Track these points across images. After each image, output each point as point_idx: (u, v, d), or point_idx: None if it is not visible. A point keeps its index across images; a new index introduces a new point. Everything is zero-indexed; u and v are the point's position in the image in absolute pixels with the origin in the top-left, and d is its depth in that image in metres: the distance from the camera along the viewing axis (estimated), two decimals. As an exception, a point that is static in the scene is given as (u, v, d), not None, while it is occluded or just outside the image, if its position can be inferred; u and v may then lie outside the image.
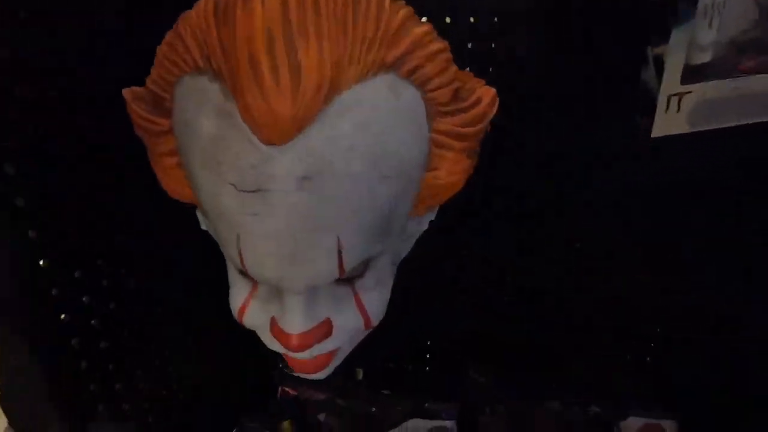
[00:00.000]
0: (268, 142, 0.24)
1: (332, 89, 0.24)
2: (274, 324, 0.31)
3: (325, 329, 0.31)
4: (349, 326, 0.32)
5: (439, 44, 0.27)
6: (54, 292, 0.31)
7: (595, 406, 0.53)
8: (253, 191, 0.25)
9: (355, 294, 0.32)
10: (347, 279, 0.31)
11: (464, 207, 0.43)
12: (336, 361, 0.35)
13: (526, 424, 0.54)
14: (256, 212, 0.25)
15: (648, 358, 0.54)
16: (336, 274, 0.28)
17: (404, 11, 0.26)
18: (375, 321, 0.34)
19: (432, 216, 0.37)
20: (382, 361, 0.60)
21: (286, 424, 0.55)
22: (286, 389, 0.59)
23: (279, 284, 0.29)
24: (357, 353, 0.37)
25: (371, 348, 0.39)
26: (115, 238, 0.37)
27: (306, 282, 0.28)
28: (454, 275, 0.53)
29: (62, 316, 0.32)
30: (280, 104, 0.22)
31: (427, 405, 0.56)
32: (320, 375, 0.36)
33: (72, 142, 0.32)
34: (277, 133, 0.23)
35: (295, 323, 0.30)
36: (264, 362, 0.58)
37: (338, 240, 0.27)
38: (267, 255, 0.27)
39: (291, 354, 0.32)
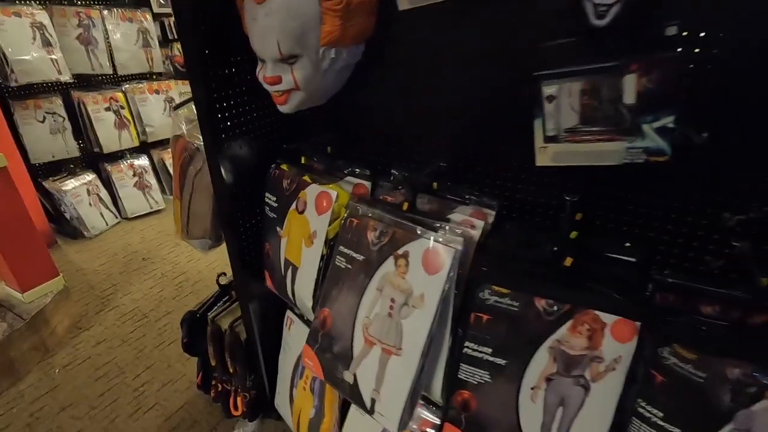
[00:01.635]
0: (255, 2, 0.72)
1: None
2: (263, 75, 0.82)
3: (278, 79, 0.80)
4: (289, 81, 0.80)
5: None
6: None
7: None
8: (252, 18, 0.74)
9: (291, 70, 0.80)
10: (287, 61, 0.79)
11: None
12: (291, 101, 0.84)
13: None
14: (252, 21, 0.75)
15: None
16: (278, 55, 0.77)
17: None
18: (300, 85, 0.81)
19: (334, 56, 0.80)
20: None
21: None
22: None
23: (262, 57, 0.79)
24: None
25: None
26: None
27: (269, 56, 0.77)
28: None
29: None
30: None
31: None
32: (286, 107, 0.85)
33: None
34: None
35: (266, 72, 0.79)
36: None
37: (277, 39, 0.75)
38: (255, 42, 0.77)
39: (269, 88, 0.82)
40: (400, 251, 0.76)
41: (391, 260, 0.77)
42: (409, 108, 0.93)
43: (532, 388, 0.69)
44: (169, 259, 2.47)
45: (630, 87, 0.52)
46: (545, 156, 0.63)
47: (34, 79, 2.39)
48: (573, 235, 0.72)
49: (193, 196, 1.05)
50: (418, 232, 0.75)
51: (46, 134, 2.64)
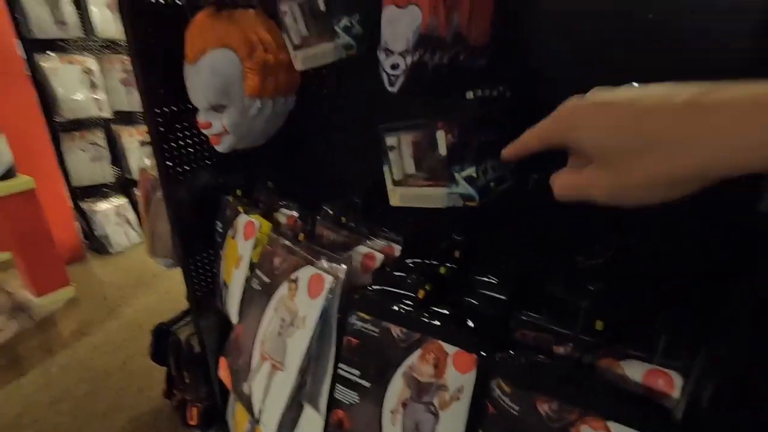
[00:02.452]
0: (189, 63, 0.84)
1: (203, 52, 0.82)
2: (198, 121, 0.93)
3: (208, 124, 0.90)
4: (218, 127, 0.91)
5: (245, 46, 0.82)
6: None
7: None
8: (187, 76, 0.86)
9: (222, 118, 0.90)
10: (216, 110, 0.89)
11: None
12: (223, 143, 0.94)
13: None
14: (187, 78, 0.87)
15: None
16: (207, 105, 0.88)
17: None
18: (229, 129, 0.91)
19: (260, 105, 0.91)
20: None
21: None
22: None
23: (196, 106, 0.90)
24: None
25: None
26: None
27: (200, 105, 0.89)
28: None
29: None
30: (188, 57, 0.83)
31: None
32: (219, 147, 0.96)
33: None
34: (189, 61, 0.84)
35: (199, 118, 0.91)
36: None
37: (205, 92, 0.86)
38: (190, 94, 0.89)
39: (204, 131, 0.93)
40: (292, 276, 0.82)
41: (285, 284, 0.83)
42: (335, 149, 1.02)
43: (391, 412, 0.71)
44: (175, 277, 2.61)
45: (441, 141, 0.58)
46: (395, 197, 0.68)
47: (79, 115, 2.68)
48: (442, 270, 0.76)
49: (156, 220, 1.17)
50: (310, 259, 0.81)
51: (87, 161, 2.92)
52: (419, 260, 0.85)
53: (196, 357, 1.32)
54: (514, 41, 0.63)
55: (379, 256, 0.86)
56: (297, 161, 1.11)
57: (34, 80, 2.55)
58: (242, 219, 1.00)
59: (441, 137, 0.58)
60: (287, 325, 0.80)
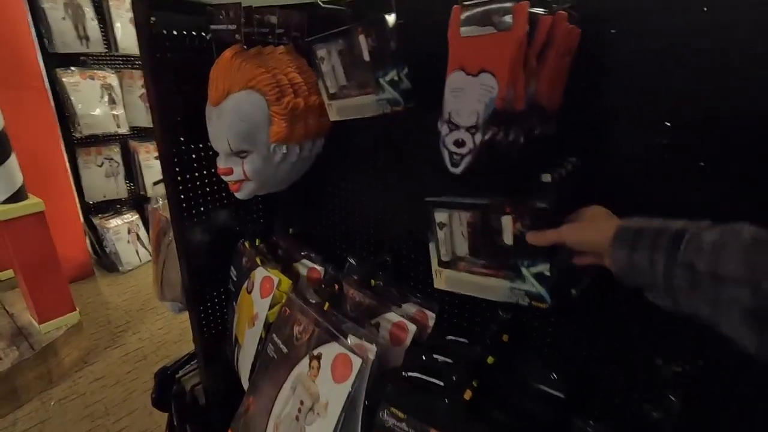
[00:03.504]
0: (212, 105, 0.77)
1: (227, 93, 0.75)
2: (218, 167, 0.86)
3: (229, 171, 0.83)
4: (239, 173, 0.84)
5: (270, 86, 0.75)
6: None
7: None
8: (209, 118, 0.79)
9: (242, 163, 0.83)
10: (238, 155, 0.82)
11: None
12: (244, 189, 0.87)
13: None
14: (209, 120, 0.80)
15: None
16: (228, 150, 0.80)
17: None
18: (250, 176, 0.84)
19: (285, 151, 0.83)
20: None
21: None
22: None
23: (217, 150, 0.83)
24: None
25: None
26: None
27: (221, 150, 0.81)
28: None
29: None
30: (212, 98, 0.76)
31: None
32: (239, 194, 0.88)
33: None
34: (212, 103, 0.77)
35: (220, 164, 0.83)
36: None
37: (227, 137, 0.79)
38: (211, 138, 0.81)
39: (223, 178, 0.86)
40: (315, 352, 0.73)
41: (306, 360, 0.74)
42: (364, 197, 0.94)
43: None
44: (183, 301, 2.55)
45: (508, 229, 0.49)
46: (440, 280, 0.59)
47: (96, 131, 2.68)
48: (490, 360, 0.66)
49: (166, 263, 1.09)
50: (335, 334, 0.72)
51: (102, 177, 2.91)
52: (461, 339, 0.75)
53: (200, 410, 1.23)
54: (586, 102, 0.54)
55: (411, 328, 0.77)
56: (322, 207, 1.02)
57: (54, 95, 2.55)
58: (260, 273, 0.92)
59: (507, 224, 0.48)
60: (306, 409, 0.71)
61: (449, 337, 0.75)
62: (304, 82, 0.80)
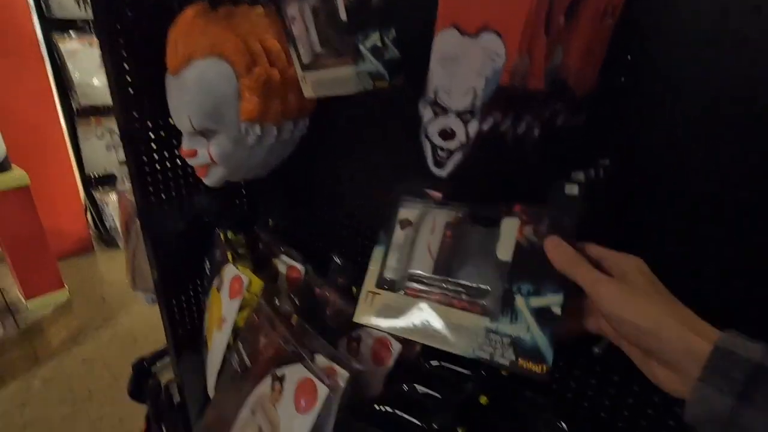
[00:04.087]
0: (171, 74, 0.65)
1: (188, 60, 0.63)
2: (182, 148, 0.74)
3: (192, 153, 0.72)
4: (205, 156, 0.72)
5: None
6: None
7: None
8: (168, 90, 0.67)
9: (209, 145, 0.71)
10: (204, 135, 0.71)
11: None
12: (211, 175, 0.76)
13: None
14: (168, 94, 0.68)
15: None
16: (192, 129, 0.69)
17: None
18: (217, 160, 0.72)
19: (260, 133, 0.71)
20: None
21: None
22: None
23: (179, 129, 0.71)
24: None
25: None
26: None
27: (183, 129, 0.70)
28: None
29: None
30: (170, 66, 0.63)
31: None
32: (207, 180, 0.77)
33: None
34: (171, 71, 0.65)
35: (183, 145, 0.72)
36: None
37: (188, 114, 0.67)
38: (172, 114, 0.70)
39: (189, 161, 0.75)
40: (278, 372, 0.63)
41: (269, 380, 0.64)
42: (354, 188, 0.82)
43: None
44: (180, 282, 2.49)
45: (507, 245, 0.37)
46: (368, 308, 0.45)
47: (96, 102, 2.59)
48: (483, 400, 0.54)
49: (136, 251, 1.00)
50: (300, 354, 0.61)
51: (102, 149, 2.84)
52: (448, 366, 0.64)
53: (175, 409, 1.15)
54: (634, 84, 0.40)
55: (396, 346, 0.65)
56: (306, 198, 0.91)
57: (52, 63, 2.47)
58: (229, 271, 0.81)
59: (510, 229, 0.36)
60: (265, 439, 0.61)
61: (436, 363, 0.63)
62: (284, 49, 0.67)
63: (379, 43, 0.45)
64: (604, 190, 0.37)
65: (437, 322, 0.37)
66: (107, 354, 1.87)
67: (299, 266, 0.85)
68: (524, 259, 0.35)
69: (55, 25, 2.42)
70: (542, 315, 0.34)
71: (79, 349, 1.89)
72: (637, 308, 0.29)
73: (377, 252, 0.44)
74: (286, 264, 0.87)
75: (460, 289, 0.38)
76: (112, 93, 0.78)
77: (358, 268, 0.79)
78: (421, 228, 0.41)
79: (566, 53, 0.32)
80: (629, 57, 0.38)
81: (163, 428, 1.15)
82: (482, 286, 0.37)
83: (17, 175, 1.63)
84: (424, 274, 0.40)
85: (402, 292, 0.41)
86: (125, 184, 1.00)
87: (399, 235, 0.42)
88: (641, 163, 0.39)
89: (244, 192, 1.05)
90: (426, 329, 0.38)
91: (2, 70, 1.89)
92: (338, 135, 0.79)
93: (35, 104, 2.25)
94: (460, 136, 0.31)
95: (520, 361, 0.34)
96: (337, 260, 0.86)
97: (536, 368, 0.34)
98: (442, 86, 0.32)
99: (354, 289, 0.74)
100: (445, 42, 0.31)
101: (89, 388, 1.68)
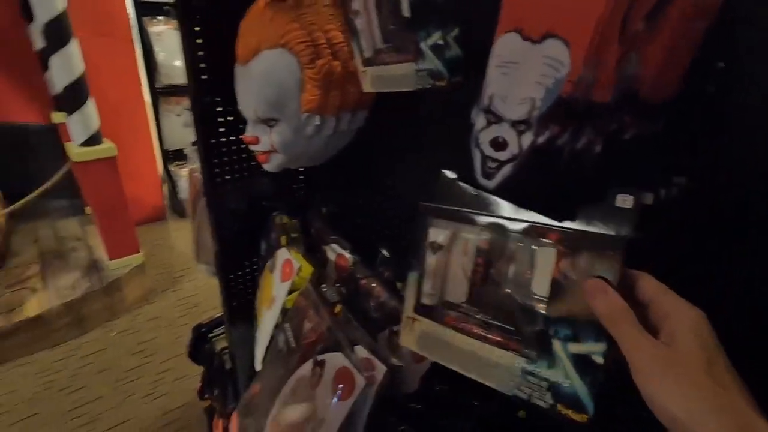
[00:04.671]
0: (240, 64, 0.68)
1: (256, 51, 0.66)
2: (245, 135, 0.78)
3: (255, 140, 0.75)
4: (266, 144, 0.75)
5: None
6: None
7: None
8: (236, 79, 0.71)
9: (270, 133, 0.74)
10: (267, 123, 0.73)
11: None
12: (271, 161, 0.79)
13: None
14: (236, 82, 0.71)
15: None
16: (256, 117, 0.72)
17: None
18: (278, 148, 0.75)
19: (319, 123, 0.73)
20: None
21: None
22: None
23: (244, 116, 0.75)
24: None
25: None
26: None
27: (247, 116, 0.73)
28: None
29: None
30: (239, 56, 0.66)
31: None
32: (267, 166, 0.80)
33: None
34: (240, 61, 0.68)
35: (247, 132, 0.75)
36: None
37: (254, 102, 0.70)
38: (238, 101, 0.73)
39: (251, 148, 0.78)
40: (319, 357, 0.65)
41: (310, 364, 0.66)
42: (411, 187, 0.81)
43: None
44: (240, 255, 2.65)
45: (544, 266, 0.35)
46: (411, 333, 0.45)
47: (176, 81, 2.78)
48: (521, 414, 0.53)
49: (201, 226, 1.07)
50: (341, 344, 0.63)
51: (180, 126, 3.06)
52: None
53: (226, 373, 1.24)
54: (728, 92, 0.36)
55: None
56: (360, 188, 0.92)
57: (143, 44, 2.68)
58: (282, 254, 0.85)
59: (546, 259, 0.34)
60: (302, 419, 0.64)
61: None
62: (347, 42, 0.67)
63: (441, 42, 0.43)
64: (674, 213, 0.34)
65: (474, 356, 0.36)
66: (171, 315, 2.04)
67: (348, 255, 0.86)
68: (561, 298, 0.32)
69: (146, 9, 2.63)
70: (582, 362, 0.31)
71: (149, 308, 2.08)
72: (672, 393, 0.25)
73: (411, 278, 0.42)
74: (336, 252, 0.89)
75: (494, 323, 0.36)
76: (188, 77, 0.83)
77: (404, 263, 0.80)
78: (453, 251, 0.40)
79: (642, 61, 0.29)
80: (721, 64, 0.34)
81: (215, 391, 1.24)
82: (517, 324, 0.34)
83: (107, 147, 1.80)
84: (459, 303, 0.38)
85: (439, 320, 0.40)
86: (196, 163, 1.07)
87: (431, 259, 0.40)
88: (726, 184, 0.35)
89: (300, 178, 1.08)
90: (464, 362, 0.37)
91: (98, 50, 2.08)
92: (395, 129, 0.79)
93: (124, 82, 2.47)
94: (513, 147, 0.30)
95: (560, 407, 0.32)
96: (385, 253, 0.87)
97: (576, 417, 0.31)
98: (498, 93, 0.30)
99: (399, 284, 0.74)
100: (505, 47, 0.30)
101: (155, 344, 1.85)
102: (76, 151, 1.73)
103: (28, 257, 2.12)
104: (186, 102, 3.02)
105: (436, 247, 0.39)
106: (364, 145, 0.83)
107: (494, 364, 0.35)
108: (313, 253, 0.92)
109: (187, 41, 0.79)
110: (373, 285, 0.78)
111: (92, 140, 1.74)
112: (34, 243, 2.26)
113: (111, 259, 2.03)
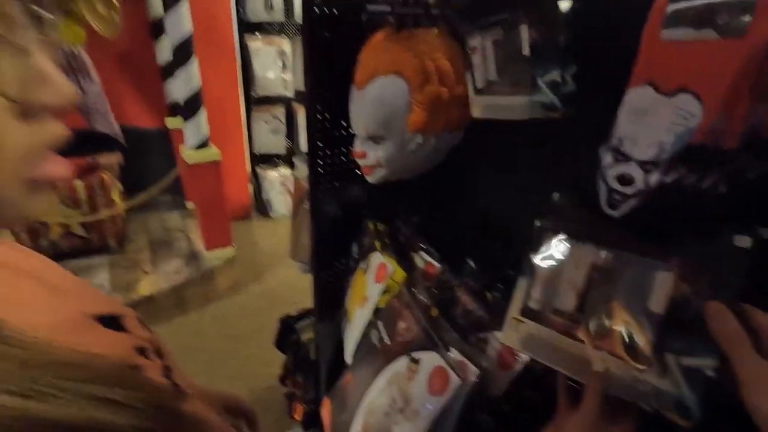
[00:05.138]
0: (357, 88, 0.78)
1: (372, 77, 0.74)
2: (353, 149, 0.87)
3: (363, 154, 0.84)
4: (372, 158, 0.84)
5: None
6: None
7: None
8: (351, 100, 0.80)
9: (377, 149, 0.82)
10: (374, 140, 0.82)
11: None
12: (375, 174, 0.87)
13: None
14: (351, 103, 0.81)
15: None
16: (365, 134, 0.81)
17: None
18: (382, 163, 0.83)
19: (421, 141, 0.79)
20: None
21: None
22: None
23: (355, 132, 0.84)
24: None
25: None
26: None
27: (358, 133, 0.82)
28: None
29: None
30: (357, 81, 0.76)
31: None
32: (370, 178, 0.89)
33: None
34: (357, 85, 0.77)
35: (356, 147, 0.84)
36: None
37: (365, 121, 0.79)
38: (351, 119, 0.82)
39: (359, 161, 0.87)
40: (414, 355, 0.71)
41: (405, 360, 0.73)
42: (499, 204, 0.86)
43: None
44: (315, 255, 2.82)
45: (661, 288, 0.38)
46: (513, 334, 0.50)
47: (268, 92, 3.04)
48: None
49: (301, 228, 1.19)
50: (437, 344, 0.68)
51: (268, 133, 3.32)
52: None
53: (310, 362, 1.35)
54: None
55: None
56: (450, 201, 0.97)
57: (242, 59, 2.96)
58: (376, 257, 0.93)
59: (663, 283, 0.37)
60: (397, 409, 0.70)
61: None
62: (453, 69, 0.74)
63: (558, 79, 0.48)
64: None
65: (580, 360, 0.40)
66: (256, 305, 2.23)
67: (436, 264, 0.92)
68: (678, 316, 0.35)
69: (247, 27, 2.91)
70: (693, 375, 0.34)
71: (237, 298, 2.29)
72: None
73: (521, 282, 0.47)
74: (424, 260, 0.95)
75: (605, 331, 0.39)
76: (307, 98, 0.94)
77: (489, 276, 0.84)
78: (565, 263, 0.44)
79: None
80: None
81: (299, 375, 1.36)
82: (629, 334, 0.37)
83: (213, 152, 2.04)
84: (567, 310, 0.43)
85: (545, 324, 0.44)
86: (301, 171, 1.19)
87: (543, 268, 0.45)
88: None
89: (391, 190, 1.16)
90: (569, 364, 0.41)
91: (208, 64, 2.34)
92: (489, 149, 0.84)
93: (227, 92, 2.75)
94: (639, 183, 0.34)
95: (666, 411, 0.35)
96: (472, 264, 0.92)
97: (682, 422, 0.35)
98: (628, 136, 0.34)
99: (488, 294, 0.79)
100: (638, 97, 0.34)
101: (242, 330, 2.04)
102: (188, 153, 1.97)
103: (140, 244, 2.43)
104: (274, 111, 3.28)
105: (549, 258, 0.43)
106: (452, 160, 0.89)
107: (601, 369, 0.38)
108: (401, 258, 0.99)
109: (310, 66, 0.90)
110: (459, 293, 0.84)
111: (202, 145, 1.98)
112: (144, 232, 2.58)
113: (207, 250, 2.27)
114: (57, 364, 0.19)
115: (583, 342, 0.40)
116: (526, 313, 0.46)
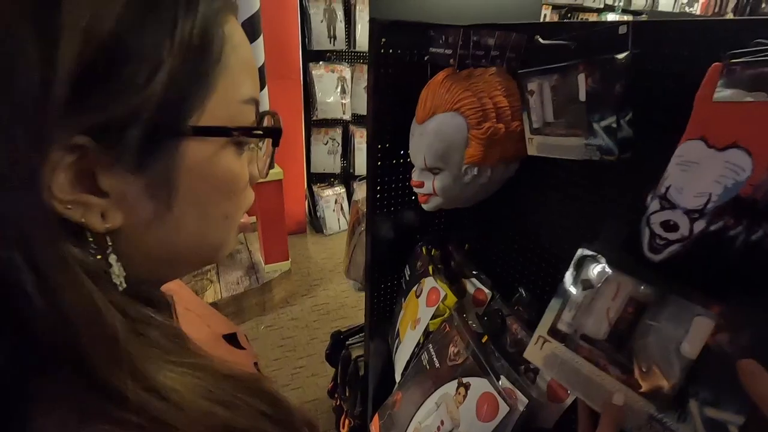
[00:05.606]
0: (417, 122, 0.84)
1: (432, 113, 0.80)
2: (411, 179, 0.92)
3: (420, 184, 0.88)
4: (429, 188, 0.88)
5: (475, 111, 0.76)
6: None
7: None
8: (411, 133, 0.86)
9: (433, 179, 0.87)
10: (431, 171, 0.86)
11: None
12: (431, 202, 0.91)
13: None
14: (411, 136, 0.87)
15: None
16: (424, 166, 0.86)
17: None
18: (438, 192, 0.87)
19: (476, 173, 0.83)
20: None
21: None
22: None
23: (413, 163, 0.89)
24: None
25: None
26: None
27: (416, 164, 0.87)
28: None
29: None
30: (418, 116, 0.82)
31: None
32: (426, 207, 0.93)
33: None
34: (418, 120, 0.83)
35: (414, 177, 0.89)
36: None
37: (424, 154, 0.84)
38: (410, 151, 0.88)
39: (416, 190, 0.92)
40: (464, 380, 0.74)
41: (454, 384, 0.75)
42: (551, 235, 0.87)
43: None
44: (365, 272, 2.89)
45: (696, 338, 0.40)
46: (539, 353, 0.51)
47: (327, 116, 3.20)
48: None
49: (356, 248, 1.25)
50: (487, 370, 0.71)
51: (324, 153, 3.48)
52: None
53: (359, 378, 1.39)
54: None
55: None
56: (502, 230, 1.00)
57: (305, 84, 3.16)
58: (429, 282, 0.97)
59: (699, 330, 0.38)
60: (446, 431, 0.73)
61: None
62: (509, 106, 0.78)
63: (614, 125, 0.51)
64: None
65: (600, 389, 0.40)
66: (308, 318, 2.32)
67: (487, 291, 0.94)
68: (710, 365, 0.34)
69: (311, 56, 3.11)
70: (716, 427, 0.33)
71: (290, 309, 2.40)
72: None
73: (554, 303, 0.48)
74: (475, 286, 0.98)
75: (631, 366, 0.39)
76: (370, 128, 1.01)
77: (539, 305, 0.85)
78: (601, 292, 0.45)
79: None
80: None
81: (347, 390, 1.40)
82: (656, 373, 0.38)
83: (277, 171, 2.18)
84: (596, 338, 0.43)
85: (571, 348, 0.45)
86: (359, 196, 1.27)
87: (578, 293, 0.46)
88: None
89: (444, 217, 1.20)
90: (588, 391, 0.42)
91: (274, 89, 2.52)
92: (542, 184, 0.86)
93: (292, 115, 2.94)
94: (683, 230, 0.36)
95: None
96: (523, 293, 0.93)
97: None
98: (675, 185, 0.37)
99: (540, 325, 0.80)
100: (689, 150, 0.36)
101: (294, 341, 2.13)
102: (254, 173, 2.13)
103: (206, 254, 2.62)
104: (332, 133, 3.44)
105: (587, 285, 0.45)
106: (506, 191, 0.91)
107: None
108: (453, 283, 1.02)
109: (374, 99, 0.97)
110: (509, 322, 0.85)
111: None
112: (211, 242, 2.78)
113: (266, 264, 2.41)
114: (230, 378, 0.23)
115: (606, 372, 0.41)
116: (554, 333, 0.47)
